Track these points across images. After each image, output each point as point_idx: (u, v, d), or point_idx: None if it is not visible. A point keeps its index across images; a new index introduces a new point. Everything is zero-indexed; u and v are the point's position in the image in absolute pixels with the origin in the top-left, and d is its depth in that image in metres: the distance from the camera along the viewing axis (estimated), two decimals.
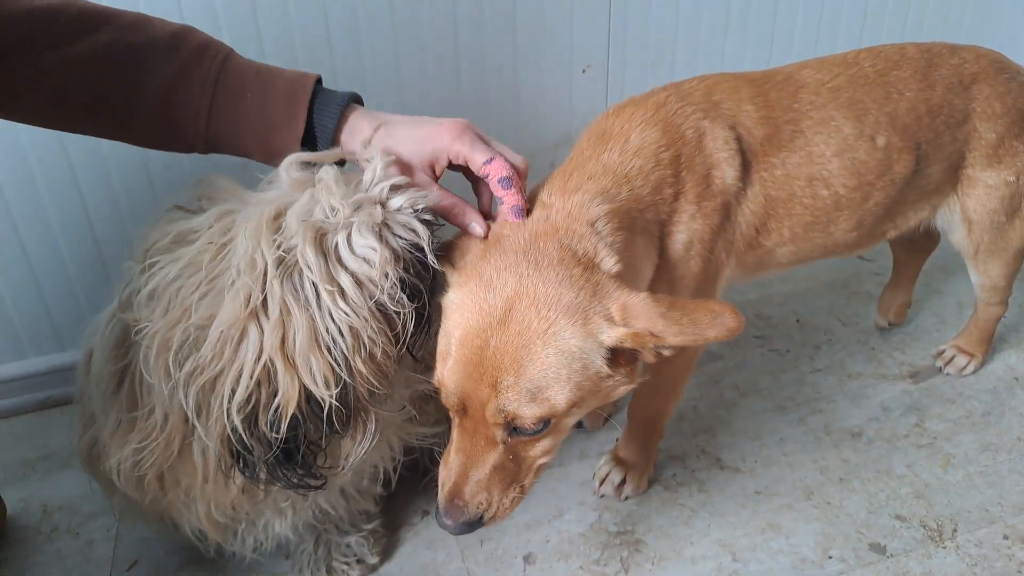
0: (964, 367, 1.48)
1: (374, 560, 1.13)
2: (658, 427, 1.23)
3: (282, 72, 0.89)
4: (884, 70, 1.08)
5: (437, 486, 0.84)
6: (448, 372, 0.79)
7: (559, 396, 0.77)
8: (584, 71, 1.56)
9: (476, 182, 0.91)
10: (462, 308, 0.80)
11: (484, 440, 0.80)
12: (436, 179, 0.89)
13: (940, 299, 1.69)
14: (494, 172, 0.85)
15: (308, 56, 1.34)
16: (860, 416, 1.40)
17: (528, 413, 0.77)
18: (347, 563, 1.10)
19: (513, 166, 0.86)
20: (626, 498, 1.23)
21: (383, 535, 1.16)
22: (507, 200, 0.86)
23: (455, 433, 0.83)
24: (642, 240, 0.91)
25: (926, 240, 1.45)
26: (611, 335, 0.78)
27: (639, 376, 0.85)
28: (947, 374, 1.48)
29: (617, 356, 0.81)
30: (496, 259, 0.81)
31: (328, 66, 1.36)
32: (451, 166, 0.89)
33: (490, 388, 0.76)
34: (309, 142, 0.88)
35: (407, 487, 1.20)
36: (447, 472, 0.83)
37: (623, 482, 1.23)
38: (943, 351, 1.51)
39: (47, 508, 1.25)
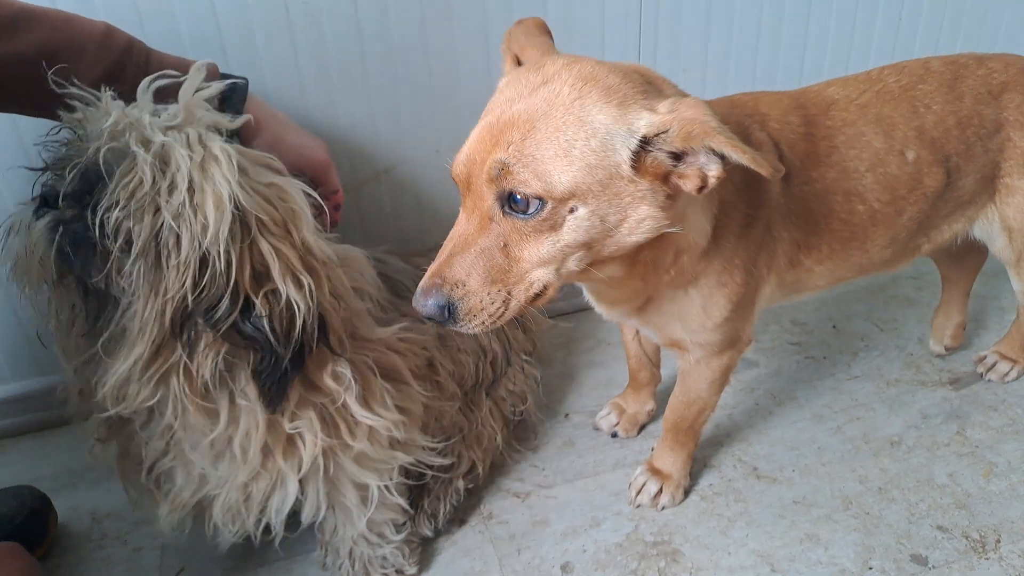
0: (1007, 373, 1.46)
1: (412, 570, 1.15)
2: (693, 436, 1.23)
3: (191, 63, 0.96)
4: (909, 85, 1.08)
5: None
6: (465, 144, 0.76)
7: (561, 173, 0.70)
8: None
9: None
10: (500, 89, 0.78)
11: (479, 219, 0.76)
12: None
13: (981, 303, 1.67)
14: (336, 199, 1.13)
15: (340, 65, 1.37)
16: (899, 424, 1.38)
17: (522, 176, 0.71)
18: (386, 574, 1.12)
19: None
20: (662, 508, 1.24)
21: (418, 544, 1.19)
22: (335, 218, 1.11)
23: (458, 218, 0.79)
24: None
25: (973, 255, 1.42)
26: (649, 121, 0.71)
27: (669, 215, 0.76)
28: (989, 380, 1.46)
29: (646, 164, 0.72)
30: (557, 56, 0.80)
31: (359, 70, 1.39)
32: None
33: (493, 145, 0.72)
34: None
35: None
36: (437, 255, 0.79)
37: (659, 492, 1.24)
38: (984, 357, 1.49)
39: (96, 516, 1.29)
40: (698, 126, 0.69)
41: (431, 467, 1.10)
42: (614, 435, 1.39)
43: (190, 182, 0.77)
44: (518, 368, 1.31)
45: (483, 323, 0.77)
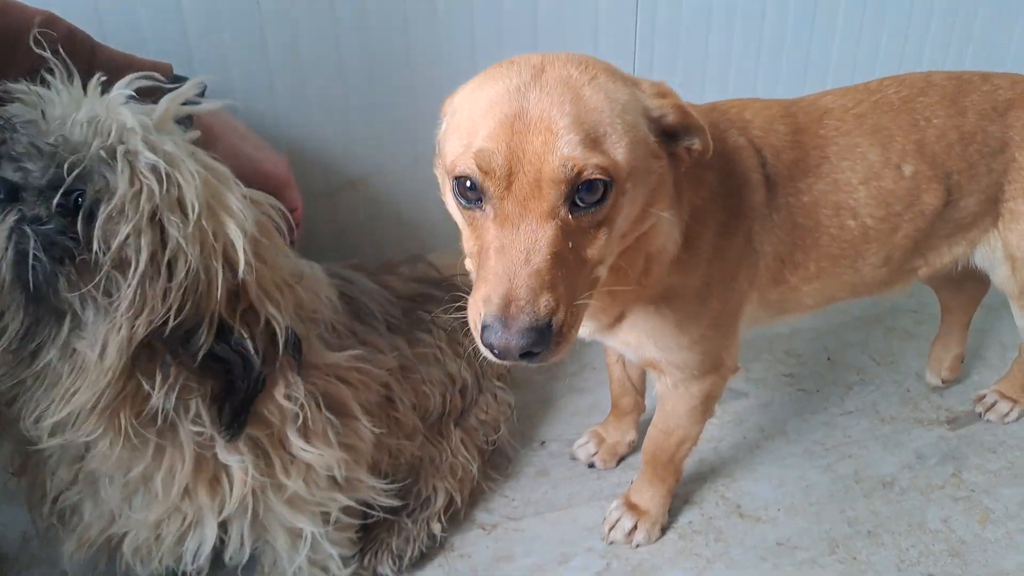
0: (1007, 414, 1.38)
1: None
2: (674, 470, 1.16)
3: (143, 61, 0.94)
4: (909, 97, 1.02)
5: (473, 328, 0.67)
6: (485, 136, 0.65)
7: (618, 147, 0.67)
8: None
9: None
10: (475, 91, 0.70)
11: (537, 218, 0.64)
12: None
13: (982, 338, 1.59)
14: (295, 216, 1.06)
15: (314, 65, 1.32)
16: (893, 464, 1.31)
17: (593, 161, 0.64)
18: None
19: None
20: (637, 546, 1.16)
21: None
22: (294, 236, 1.01)
23: (491, 231, 0.66)
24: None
25: (974, 284, 1.36)
26: (656, 103, 0.72)
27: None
28: (988, 421, 1.39)
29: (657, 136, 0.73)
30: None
31: (334, 60, 1.34)
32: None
33: (544, 135, 0.64)
34: None
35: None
36: (487, 287, 0.64)
37: (634, 528, 1.16)
38: (984, 396, 1.41)
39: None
40: (689, 110, 0.72)
41: (382, 508, 1.02)
42: (591, 465, 1.32)
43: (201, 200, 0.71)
44: (490, 395, 1.23)
45: (571, 343, 0.66)
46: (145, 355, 0.74)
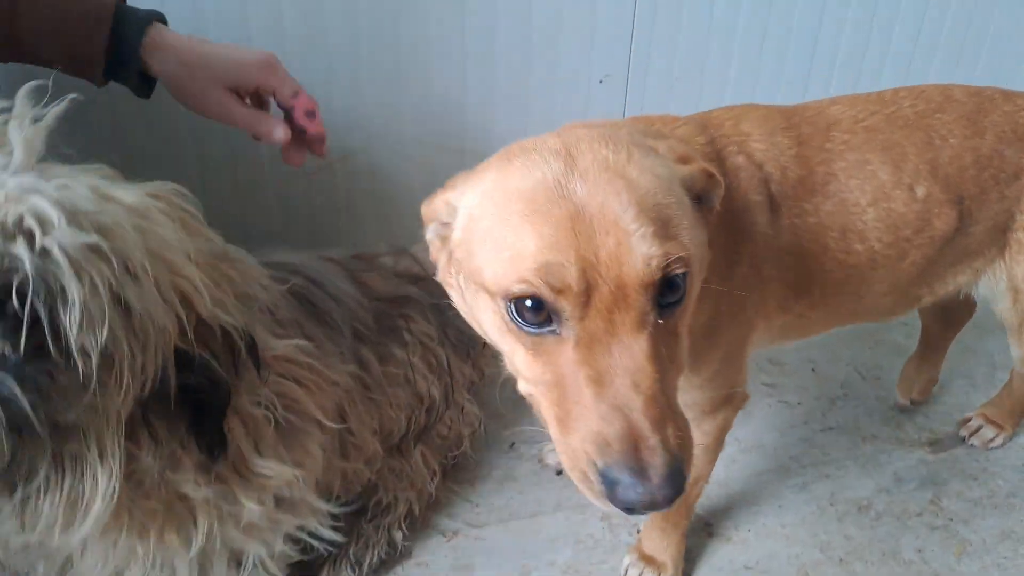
0: (991, 440, 1.34)
1: None
2: (687, 513, 1.08)
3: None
4: (926, 112, 0.94)
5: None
6: (544, 246, 0.55)
7: (683, 231, 0.59)
8: (601, 81, 1.44)
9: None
10: (497, 190, 0.60)
11: (629, 333, 0.55)
12: (242, 101, 0.94)
13: (972, 359, 1.55)
14: (300, 104, 0.95)
15: (296, 36, 1.24)
16: (870, 486, 1.27)
17: (673, 253, 0.56)
18: None
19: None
20: None
21: None
22: (311, 129, 0.95)
23: (572, 357, 0.56)
24: None
25: (961, 310, 1.31)
26: (686, 171, 0.66)
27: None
28: (971, 446, 1.35)
29: None
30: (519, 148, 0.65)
31: (319, 35, 1.26)
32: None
33: (616, 233, 0.55)
34: (113, 54, 0.90)
35: None
36: (589, 425, 0.54)
37: None
38: (969, 420, 1.37)
39: None
40: (712, 173, 0.66)
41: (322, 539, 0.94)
42: (559, 472, 1.27)
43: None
44: (458, 408, 1.15)
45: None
46: (140, 427, 0.67)
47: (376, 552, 1.09)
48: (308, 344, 0.85)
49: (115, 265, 0.60)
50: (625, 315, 0.55)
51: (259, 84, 0.94)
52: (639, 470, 0.52)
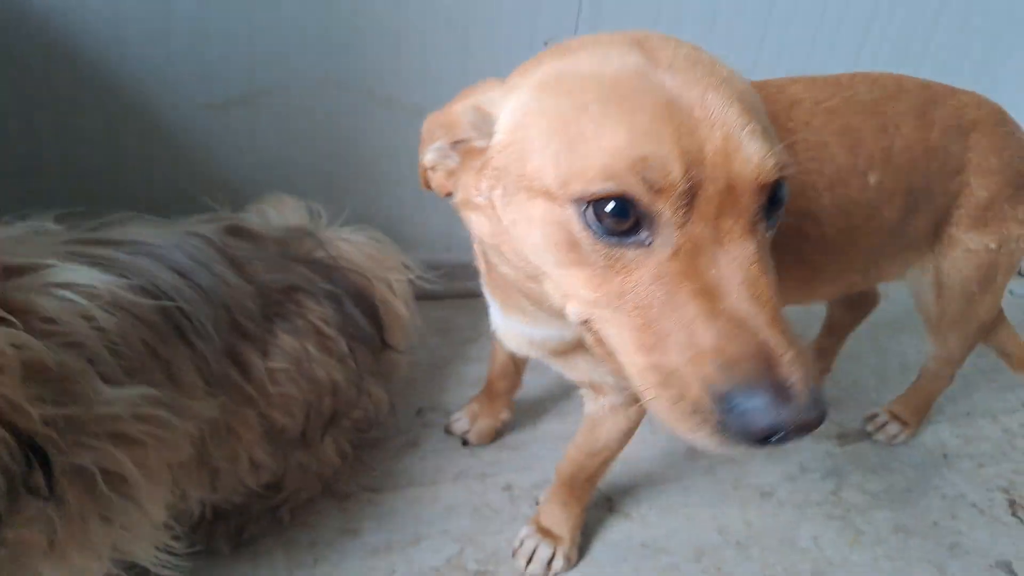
0: (895, 435, 1.36)
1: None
2: (591, 488, 1.04)
3: None
4: (881, 100, 0.92)
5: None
6: (638, 138, 0.46)
7: (778, 140, 0.52)
8: (546, 43, 1.38)
9: None
10: (562, 77, 0.50)
11: (739, 236, 0.47)
12: None
13: (883, 357, 1.57)
14: None
15: None
16: (775, 473, 1.27)
17: (784, 156, 0.49)
18: None
19: None
20: None
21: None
22: None
23: (664, 269, 0.47)
24: None
25: (867, 301, 1.33)
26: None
27: None
28: (876, 440, 1.36)
29: None
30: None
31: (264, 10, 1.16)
32: None
33: (723, 127, 0.47)
34: None
35: None
36: (702, 345, 0.44)
37: (552, 557, 1.04)
38: (876, 415, 1.39)
39: None
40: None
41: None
42: (465, 442, 1.23)
43: None
44: (366, 394, 1.06)
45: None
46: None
47: (259, 526, 1.02)
48: (149, 390, 0.67)
49: None
50: (735, 220, 0.47)
51: None
52: (781, 388, 0.42)
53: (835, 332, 1.42)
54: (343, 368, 0.96)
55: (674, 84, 0.48)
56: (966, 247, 1.01)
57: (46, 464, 0.56)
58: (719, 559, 1.11)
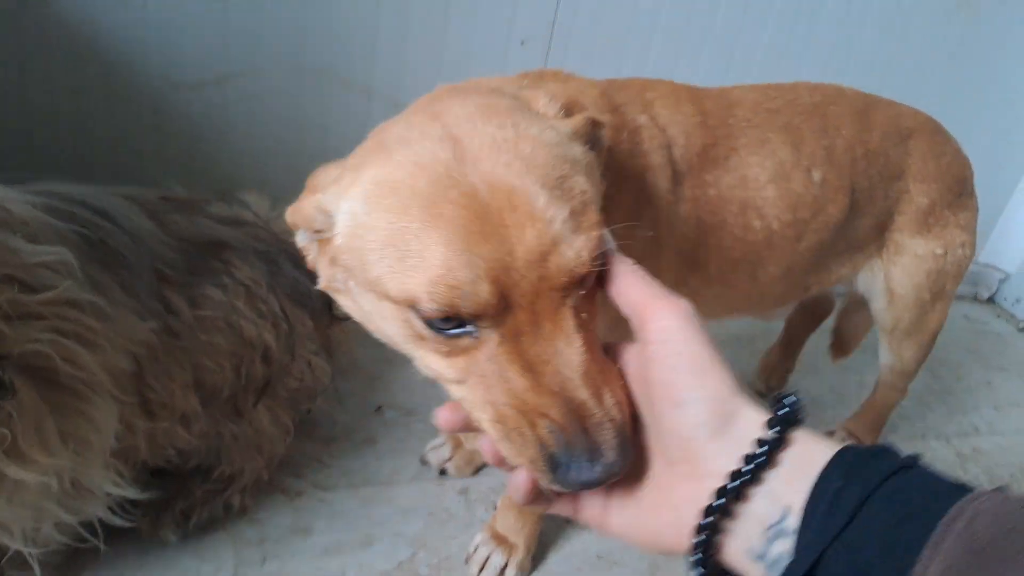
0: None
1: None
2: None
3: None
4: (822, 103, 0.96)
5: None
6: (451, 260, 0.50)
7: (591, 201, 0.55)
8: (523, 43, 1.38)
9: None
10: (382, 191, 0.54)
11: (554, 314, 0.52)
12: None
13: (842, 374, 1.59)
14: None
15: None
16: None
17: (595, 234, 0.53)
18: None
19: None
20: None
21: None
22: None
23: (494, 351, 0.52)
24: None
25: (822, 307, 1.39)
26: (570, 124, 0.62)
27: None
28: None
29: None
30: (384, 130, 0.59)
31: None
32: None
33: (535, 227, 0.51)
34: None
35: None
36: (529, 413, 0.51)
37: (505, 566, 1.03)
38: (833, 432, 1.40)
39: None
40: (591, 116, 0.63)
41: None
42: (443, 472, 1.17)
43: None
44: (303, 362, 1.04)
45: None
46: None
47: (207, 510, 1.00)
48: (97, 300, 0.70)
49: None
50: (548, 302, 0.52)
51: None
52: (588, 445, 0.49)
53: (792, 340, 1.46)
54: (275, 331, 0.95)
55: (482, 185, 0.52)
56: (914, 253, 1.05)
57: None
58: (672, 573, 1.10)
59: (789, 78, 1.02)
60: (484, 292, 0.50)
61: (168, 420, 0.83)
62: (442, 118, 0.57)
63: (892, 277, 1.06)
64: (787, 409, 0.46)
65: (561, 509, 0.55)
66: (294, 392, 1.05)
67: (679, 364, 0.47)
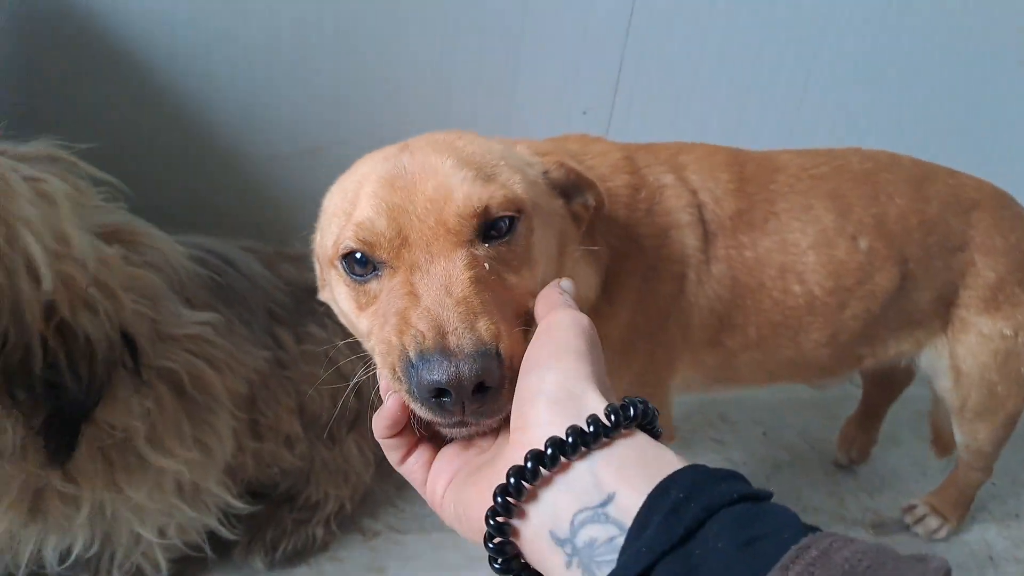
0: (935, 530, 1.32)
1: None
2: None
3: None
4: (874, 170, 0.96)
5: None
6: (364, 205, 0.60)
7: (513, 181, 0.63)
8: (585, 113, 1.47)
9: None
10: (344, 180, 0.68)
11: (446, 254, 0.58)
12: None
13: (925, 446, 1.53)
14: None
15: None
16: None
17: (497, 192, 0.60)
18: None
19: None
20: None
21: None
22: None
23: (395, 287, 0.59)
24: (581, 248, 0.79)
25: (901, 377, 1.32)
26: (535, 159, 0.71)
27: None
28: (915, 534, 1.32)
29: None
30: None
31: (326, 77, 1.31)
32: None
33: (434, 179, 0.60)
34: None
35: None
36: (407, 329, 0.55)
37: None
38: (914, 506, 1.35)
39: None
40: (570, 165, 0.70)
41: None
42: None
43: None
44: None
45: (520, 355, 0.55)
46: None
47: (293, 541, 1.08)
48: (218, 317, 0.84)
49: None
50: (443, 244, 0.58)
51: None
52: (444, 350, 0.51)
53: (870, 411, 1.41)
54: (366, 368, 1.06)
55: (410, 161, 0.63)
56: (979, 331, 1.01)
57: (134, 349, 0.71)
58: None
59: (852, 143, 1.04)
60: (382, 226, 0.58)
61: (274, 441, 0.96)
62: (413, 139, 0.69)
63: (957, 355, 1.03)
64: (637, 404, 0.44)
65: (413, 472, 0.54)
66: None
67: (548, 343, 0.48)
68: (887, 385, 1.37)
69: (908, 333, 1.03)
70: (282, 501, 1.09)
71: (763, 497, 0.39)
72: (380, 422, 0.54)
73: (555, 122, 1.45)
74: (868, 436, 1.43)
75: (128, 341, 0.72)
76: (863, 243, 0.93)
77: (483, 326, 0.53)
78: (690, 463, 0.42)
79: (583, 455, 0.42)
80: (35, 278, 0.64)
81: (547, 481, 0.42)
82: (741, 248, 0.89)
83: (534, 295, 0.60)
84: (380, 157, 0.66)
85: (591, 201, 0.73)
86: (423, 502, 1.19)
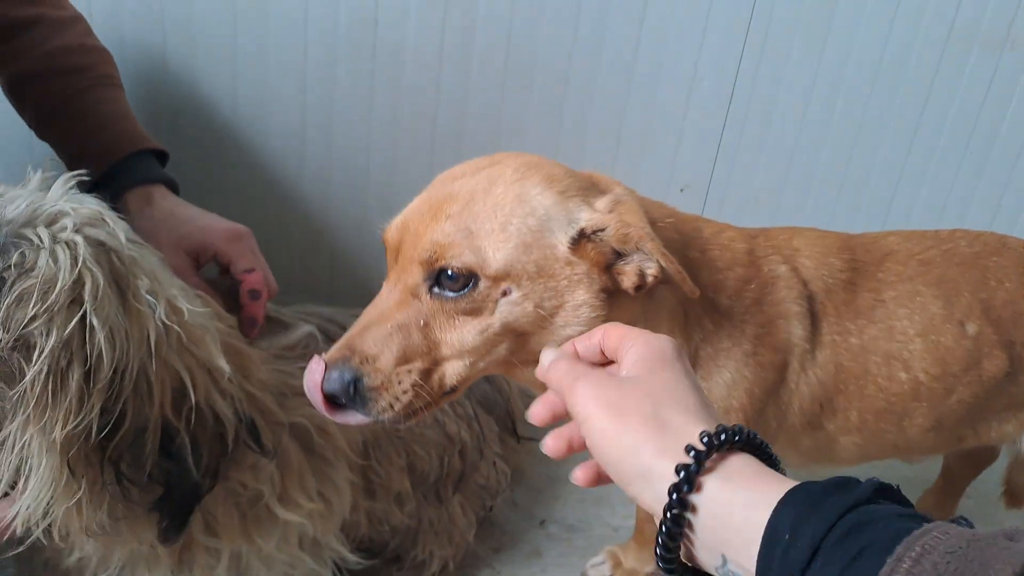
0: None
1: None
2: None
3: (127, 126, 1.00)
4: (982, 253, 0.97)
5: None
6: (401, 213, 0.75)
7: (495, 249, 0.69)
8: (682, 190, 1.51)
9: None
10: (448, 171, 0.78)
11: (402, 291, 0.71)
12: (197, 268, 0.94)
13: (1012, 523, 1.51)
14: (248, 282, 0.92)
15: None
16: None
17: (456, 251, 0.68)
18: None
19: (267, 284, 0.94)
20: None
21: None
22: (247, 310, 0.91)
23: (381, 290, 0.74)
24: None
25: (985, 452, 1.28)
26: (588, 216, 0.72)
27: (607, 309, 0.72)
28: None
29: (587, 249, 0.72)
30: None
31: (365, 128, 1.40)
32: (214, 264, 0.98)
33: (431, 219, 0.71)
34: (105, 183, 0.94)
35: None
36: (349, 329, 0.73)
37: None
38: None
39: None
40: (634, 231, 0.70)
41: None
42: None
43: (117, 280, 0.65)
44: (489, 461, 1.19)
45: (386, 408, 0.69)
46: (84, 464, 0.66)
47: None
48: None
49: (92, 279, 0.62)
50: (405, 277, 0.71)
51: (217, 252, 0.93)
52: (327, 364, 0.68)
53: (950, 487, 1.37)
54: (469, 430, 1.14)
55: (447, 188, 0.73)
56: None
57: (253, 426, 0.77)
58: None
59: (950, 225, 1.05)
60: (392, 234, 0.73)
61: (385, 500, 1.00)
62: (499, 156, 0.78)
63: None
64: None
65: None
66: (480, 489, 1.20)
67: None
68: (969, 464, 1.33)
69: (1012, 416, 1.03)
70: (390, 560, 1.13)
71: (866, 497, 0.41)
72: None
73: (652, 196, 1.49)
74: (944, 512, 1.40)
75: (249, 422, 0.77)
76: (971, 328, 0.94)
77: (364, 357, 0.68)
78: (789, 490, 0.43)
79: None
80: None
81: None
82: (847, 335, 0.91)
83: (466, 356, 0.71)
84: (457, 172, 0.76)
85: (654, 271, 0.73)
86: (521, 567, 1.23)
